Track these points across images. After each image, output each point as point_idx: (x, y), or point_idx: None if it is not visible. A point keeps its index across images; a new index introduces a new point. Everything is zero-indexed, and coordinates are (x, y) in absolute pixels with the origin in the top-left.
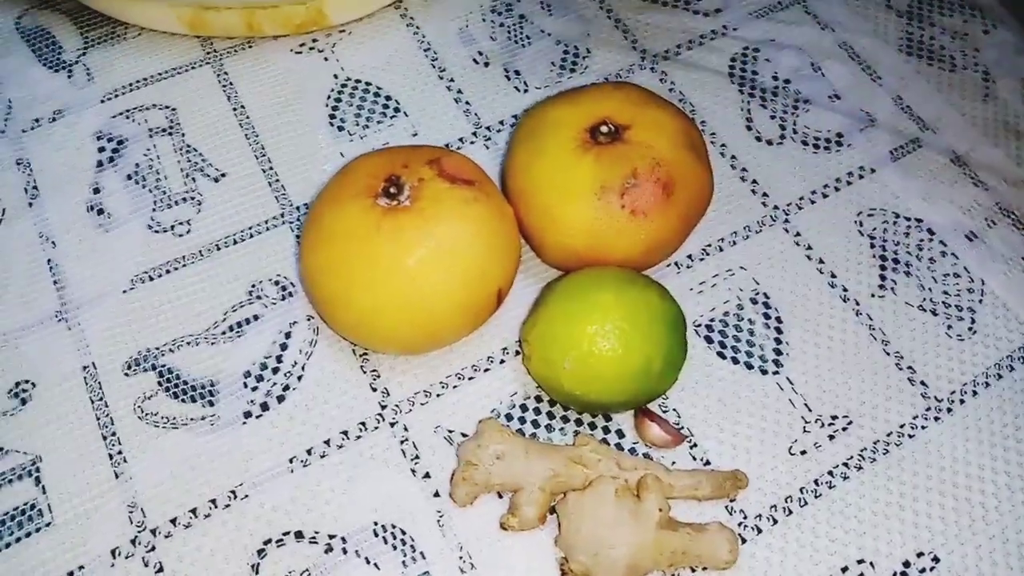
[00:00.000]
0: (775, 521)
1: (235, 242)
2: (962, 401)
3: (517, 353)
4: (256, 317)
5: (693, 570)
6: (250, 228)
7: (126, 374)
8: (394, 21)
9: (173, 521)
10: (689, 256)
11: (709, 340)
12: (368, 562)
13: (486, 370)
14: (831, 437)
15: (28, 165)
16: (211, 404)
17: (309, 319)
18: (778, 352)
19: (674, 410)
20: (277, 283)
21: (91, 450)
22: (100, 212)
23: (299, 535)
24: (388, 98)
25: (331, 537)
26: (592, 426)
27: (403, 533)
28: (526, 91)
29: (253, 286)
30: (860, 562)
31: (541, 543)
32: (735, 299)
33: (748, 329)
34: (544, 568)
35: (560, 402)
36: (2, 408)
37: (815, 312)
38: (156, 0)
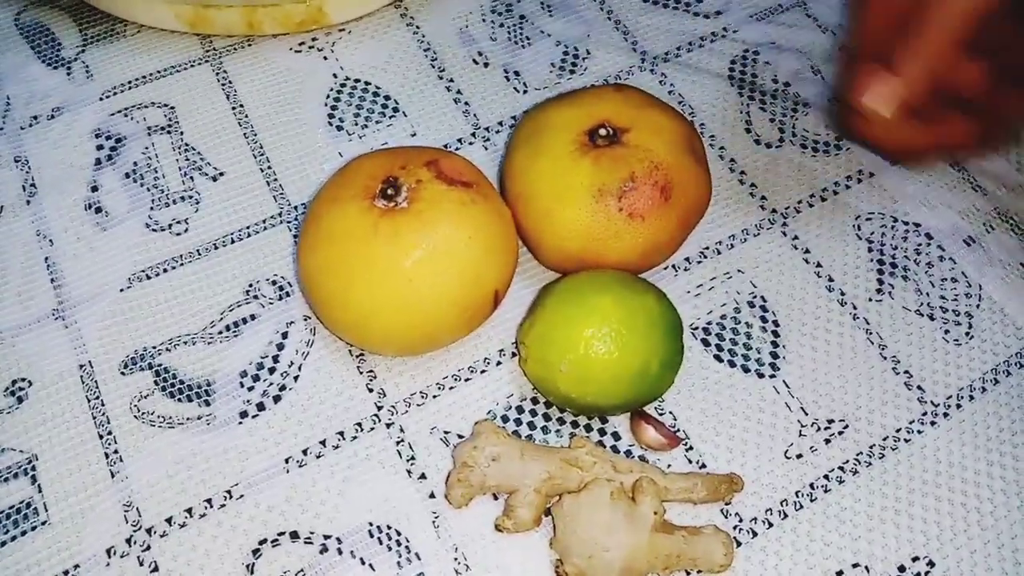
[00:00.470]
0: (770, 524)
1: (233, 241)
2: (959, 406)
3: (514, 355)
4: (253, 317)
5: (688, 573)
6: (248, 227)
7: (122, 373)
8: (394, 21)
9: (168, 520)
10: (687, 259)
11: (706, 343)
12: (363, 563)
13: (482, 372)
14: (827, 441)
15: (26, 162)
16: (207, 404)
17: (306, 319)
18: (775, 355)
19: (670, 413)
20: (274, 283)
21: (87, 449)
22: (98, 210)
23: (294, 535)
24: (387, 98)
25: (326, 538)
26: (588, 428)
27: (398, 534)
28: (525, 92)
29: (250, 286)
30: (855, 566)
31: (536, 545)
32: (732, 302)
33: (745, 332)
34: (539, 570)
35: (556, 404)
36: None
37: (812, 316)
38: None
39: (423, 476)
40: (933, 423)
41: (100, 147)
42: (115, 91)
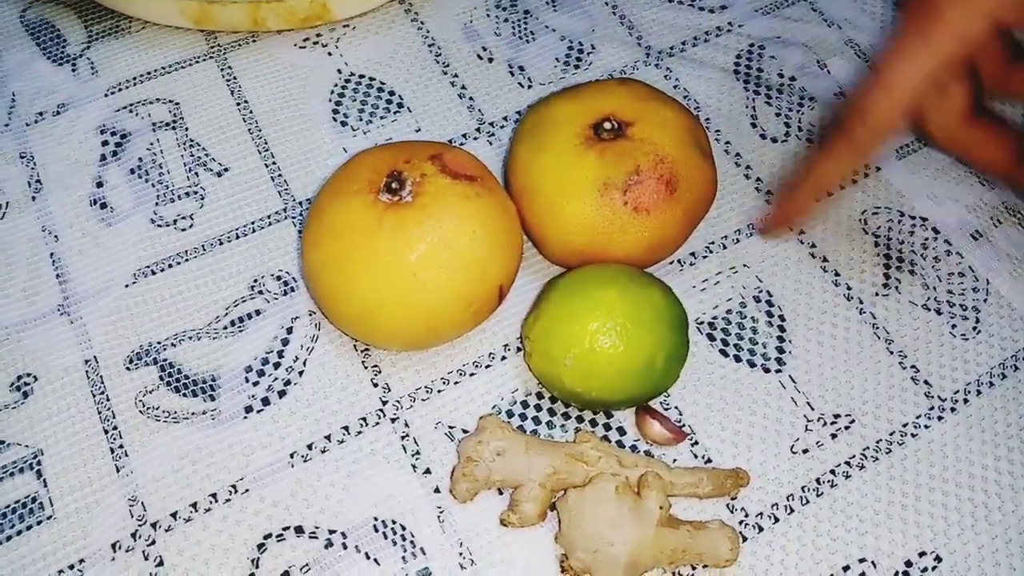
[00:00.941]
0: (776, 519)
1: (237, 237)
2: (966, 401)
3: (519, 350)
4: (258, 312)
5: (693, 568)
6: (252, 223)
7: (128, 368)
8: (398, 16)
9: (173, 515)
10: (692, 253)
11: (712, 338)
12: (368, 557)
13: (487, 367)
14: (833, 436)
15: (32, 159)
16: (212, 399)
17: (311, 314)
18: (781, 350)
19: (676, 408)
20: (279, 278)
21: (92, 444)
22: (103, 206)
23: (299, 530)
24: (391, 93)
25: (331, 532)
26: (593, 423)
27: (403, 529)
28: (530, 87)
29: (255, 281)
30: (862, 561)
31: (541, 540)
32: (738, 297)
33: (751, 327)
34: (544, 565)
35: (561, 399)
36: (4, 401)
37: (818, 310)
38: None
39: (428, 471)
40: (940, 418)
41: (105, 143)
42: (120, 87)
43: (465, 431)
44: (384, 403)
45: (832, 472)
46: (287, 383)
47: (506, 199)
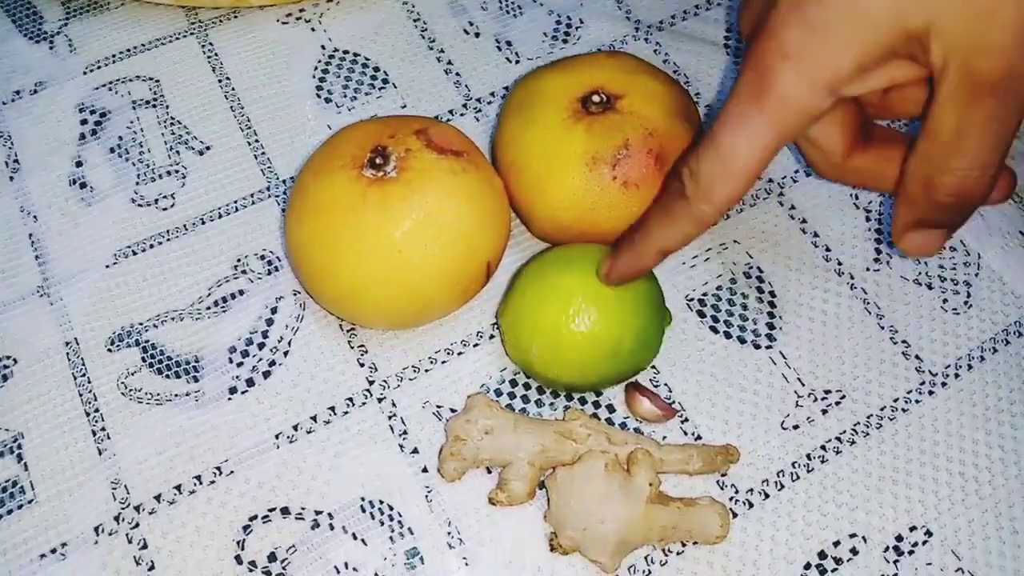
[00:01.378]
0: (767, 496)
1: (220, 216)
2: (956, 375)
3: None
4: (241, 292)
5: (684, 545)
6: (235, 202)
7: (109, 350)
8: None
9: (157, 498)
10: None
11: (701, 314)
12: (355, 538)
13: (475, 345)
14: (824, 411)
15: (8, 138)
16: (196, 380)
17: (295, 294)
18: (771, 326)
19: (665, 384)
20: (263, 258)
21: (74, 426)
22: (83, 186)
23: (285, 511)
24: (376, 69)
25: (318, 513)
26: (582, 401)
27: (391, 509)
28: (517, 62)
29: (238, 260)
30: (852, 536)
31: (530, 518)
32: (728, 273)
33: (741, 303)
34: (533, 543)
35: (541, 384)
36: None
37: (809, 286)
38: None
39: (415, 450)
40: (931, 392)
41: (84, 122)
42: (99, 65)
43: (453, 410)
44: (371, 383)
45: (823, 448)
46: (272, 364)
47: (493, 175)
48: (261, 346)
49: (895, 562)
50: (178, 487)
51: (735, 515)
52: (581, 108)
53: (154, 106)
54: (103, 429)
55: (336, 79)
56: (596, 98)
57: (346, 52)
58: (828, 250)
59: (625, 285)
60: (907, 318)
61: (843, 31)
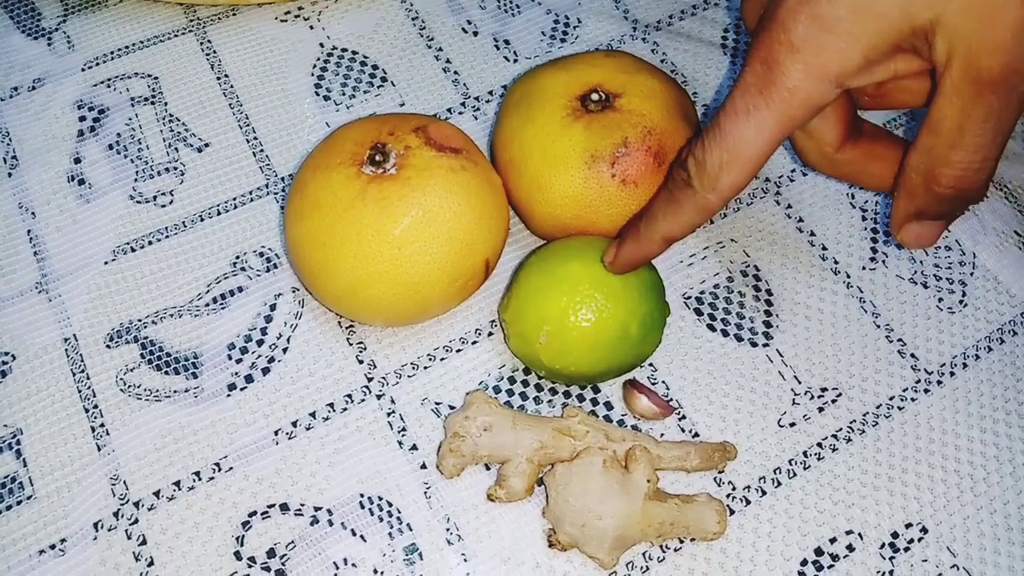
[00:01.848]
0: (764, 493)
1: (219, 213)
2: (952, 374)
3: None
4: (240, 289)
5: (681, 541)
6: (234, 199)
7: (108, 346)
8: None
9: (156, 494)
10: None
11: (699, 312)
12: (354, 534)
13: (474, 342)
14: (820, 409)
15: (7, 134)
16: (195, 376)
17: (294, 291)
18: (768, 324)
19: (663, 382)
20: (261, 255)
21: (73, 423)
22: (81, 182)
23: (284, 507)
24: (375, 67)
25: (317, 509)
26: (580, 398)
27: (389, 505)
28: (516, 61)
29: (237, 257)
30: (849, 533)
31: (528, 514)
32: (725, 271)
33: (738, 301)
34: (531, 539)
35: (545, 377)
36: None
37: (805, 284)
38: None
39: (414, 447)
40: (927, 391)
41: (83, 118)
42: (97, 61)
43: (452, 407)
44: (369, 380)
45: (819, 445)
46: (271, 360)
47: (492, 172)
48: (260, 343)
49: (891, 559)
50: (177, 483)
51: (732, 512)
52: (580, 106)
53: (153, 103)
54: (102, 425)
55: (335, 77)
56: (595, 96)
57: (344, 50)
58: (824, 249)
59: (632, 272)
60: (903, 317)
61: (852, 25)
